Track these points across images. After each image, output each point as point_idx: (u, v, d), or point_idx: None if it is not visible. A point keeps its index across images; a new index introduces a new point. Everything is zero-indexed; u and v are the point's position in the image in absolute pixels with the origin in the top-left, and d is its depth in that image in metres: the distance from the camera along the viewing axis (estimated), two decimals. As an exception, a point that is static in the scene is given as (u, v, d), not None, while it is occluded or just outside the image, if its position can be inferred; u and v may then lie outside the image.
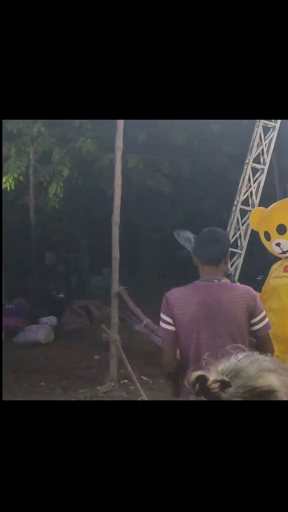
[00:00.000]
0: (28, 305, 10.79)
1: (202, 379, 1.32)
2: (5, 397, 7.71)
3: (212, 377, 1.33)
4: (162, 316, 3.77)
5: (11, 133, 12.20)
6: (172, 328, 3.71)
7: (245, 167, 8.72)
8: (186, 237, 5.08)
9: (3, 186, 11.87)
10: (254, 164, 8.69)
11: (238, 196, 8.36)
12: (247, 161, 8.72)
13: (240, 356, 1.42)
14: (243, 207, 8.48)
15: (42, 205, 12.60)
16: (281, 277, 5.37)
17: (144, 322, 8.23)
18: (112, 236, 7.85)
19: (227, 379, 1.33)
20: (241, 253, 8.24)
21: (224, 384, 1.31)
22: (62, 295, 11.45)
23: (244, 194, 8.57)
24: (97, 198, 12.12)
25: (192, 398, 1.33)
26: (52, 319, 10.13)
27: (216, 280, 3.75)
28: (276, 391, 1.33)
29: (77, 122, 11.89)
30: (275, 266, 5.48)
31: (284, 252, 5.43)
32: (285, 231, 5.40)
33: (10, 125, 12.02)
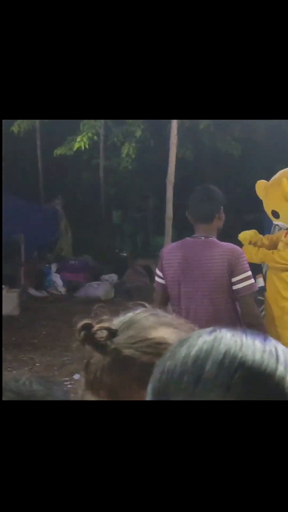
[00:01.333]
0: (92, 262, 11.10)
1: (87, 326, 1.27)
2: (60, 344, 8.04)
3: (99, 325, 1.29)
4: (156, 269, 4.04)
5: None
6: (160, 280, 3.95)
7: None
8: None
9: (77, 145, 12.13)
10: None
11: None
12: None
13: (138, 310, 1.36)
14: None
15: (115, 165, 12.80)
16: None
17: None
18: (166, 195, 7.96)
19: (113, 328, 1.29)
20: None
21: (111, 333, 1.27)
22: (125, 254, 11.71)
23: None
24: (168, 159, 12.20)
25: None
26: (113, 277, 10.40)
27: (203, 237, 3.85)
28: (168, 344, 1.24)
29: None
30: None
31: None
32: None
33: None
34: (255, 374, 0.81)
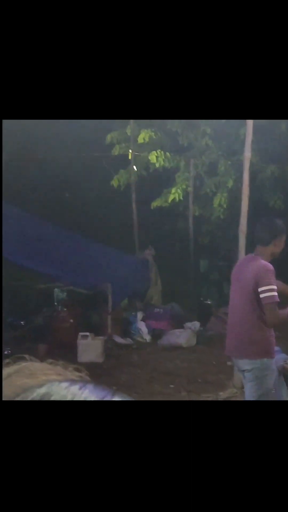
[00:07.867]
0: (177, 310, 11.39)
1: None
2: (134, 397, 8.36)
3: None
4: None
5: (182, 146, 13.00)
6: None
7: None
8: None
9: (171, 197, 12.60)
10: None
11: None
12: None
13: None
14: None
15: (207, 215, 13.11)
16: None
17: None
18: (239, 245, 8.20)
19: None
20: None
21: None
22: (209, 302, 11.91)
23: None
24: (259, 208, 12.36)
25: None
26: (195, 324, 10.62)
27: (253, 254, 4.84)
28: None
29: (242, 134, 12.26)
30: None
31: None
32: None
33: (181, 138, 12.84)
34: None
